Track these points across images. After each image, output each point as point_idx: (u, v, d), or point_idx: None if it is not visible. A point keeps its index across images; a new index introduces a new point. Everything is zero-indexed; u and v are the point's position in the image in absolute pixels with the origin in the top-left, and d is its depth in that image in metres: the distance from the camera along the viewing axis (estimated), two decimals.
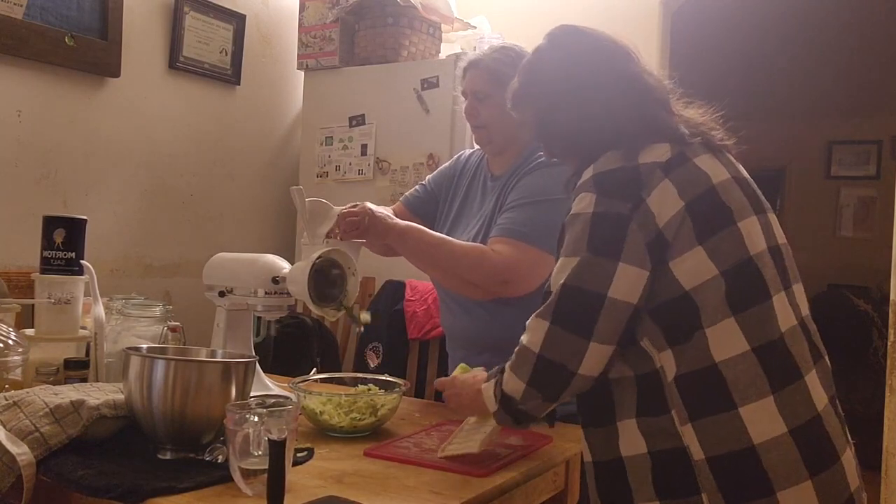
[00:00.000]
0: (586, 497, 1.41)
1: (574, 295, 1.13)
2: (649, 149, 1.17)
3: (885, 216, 2.82)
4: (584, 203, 1.16)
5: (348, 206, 1.69)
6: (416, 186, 2.06)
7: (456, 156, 2.05)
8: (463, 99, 1.87)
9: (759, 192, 1.23)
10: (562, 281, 1.15)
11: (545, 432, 1.48)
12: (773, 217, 1.22)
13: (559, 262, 1.18)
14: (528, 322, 1.19)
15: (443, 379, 1.44)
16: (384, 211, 1.78)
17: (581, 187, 1.18)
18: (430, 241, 1.72)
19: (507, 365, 1.21)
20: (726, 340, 1.09)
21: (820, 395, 1.12)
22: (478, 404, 1.28)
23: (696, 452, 1.09)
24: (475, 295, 1.74)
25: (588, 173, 1.18)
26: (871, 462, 1.71)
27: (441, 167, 2.05)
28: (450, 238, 1.75)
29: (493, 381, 1.25)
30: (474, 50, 3.03)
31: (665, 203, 1.12)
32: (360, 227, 1.65)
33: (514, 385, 1.19)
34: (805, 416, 1.09)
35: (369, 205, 1.70)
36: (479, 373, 1.38)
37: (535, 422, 1.26)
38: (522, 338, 1.19)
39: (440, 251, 1.71)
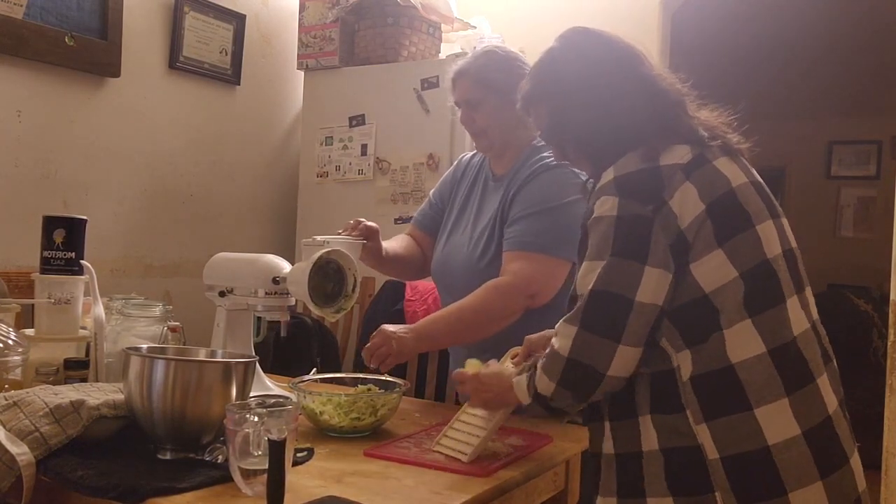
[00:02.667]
0: (587, 496, 1.41)
1: (602, 299, 1.14)
2: (670, 150, 1.17)
3: (885, 216, 2.82)
4: (606, 206, 1.16)
5: (372, 340, 1.67)
6: (423, 205, 2.07)
7: (456, 161, 2.07)
8: (457, 108, 1.87)
9: (772, 197, 1.23)
10: (590, 286, 1.15)
11: (546, 432, 1.48)
12: (785, 222, 1.23)
13: (584, 265, 1.18)
14: (557, 326, 1.20)
15: (462, 372, 1.40)
16: (391, 244, 1.76)
17: (602, 190, 1.18)
18: (448, 320, 1.70)
19: (539, 364, 1.21)
20: (743, 342, 1.10)
21: (831, 398, 1.13)
22: (507, 398, 1.28)
23: (711, 451, 1.10)
24: (512, 321, 1.69)
25: (609, 175, 1.18)
26: (870, 462, 1.71)
27: (443, 177, 2.06)
28: (459, 304, 1.71)
29: (525, 376, 1.25)
30: (474, 49, 3.03)
31: (686, 205, 1.13)
32: (391, 353, 1.64)
33: (546, 385, 1.19)
34: (817, 418, 1.10)
35: (387, 327, 1.67)
36: (494, 364, 1.40)
37: (570, 415, 1.27)
38: (553, 341, 1.19)
39: (460, 319, 1.69)
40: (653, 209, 1.12)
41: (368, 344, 1.67)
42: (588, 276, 1.16)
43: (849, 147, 5.73)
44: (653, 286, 1.12)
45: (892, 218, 2.31)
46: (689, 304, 1.12)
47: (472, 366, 1.44)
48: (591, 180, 1.26)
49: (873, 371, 4.17)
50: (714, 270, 1.12)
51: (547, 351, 1.21)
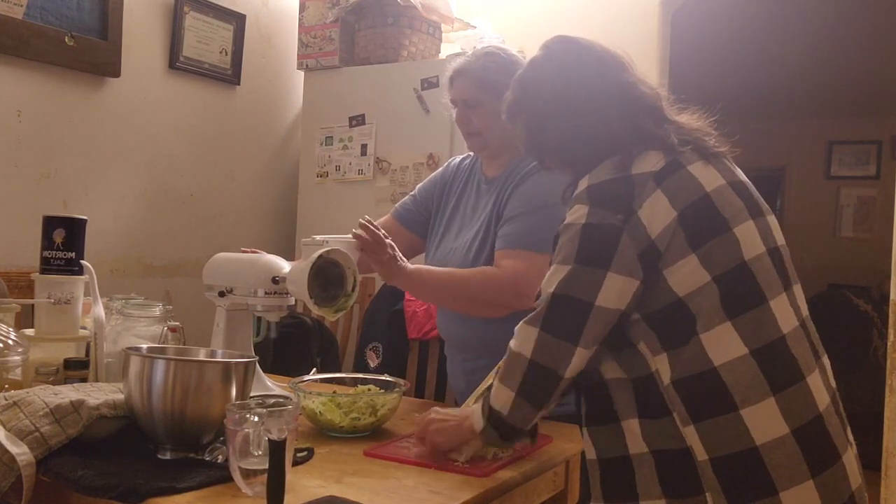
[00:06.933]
0: (586, 497, 1.41)
1: (563, 303, 1.16)
2: (643, 158, 1.18)
3: (885, 216, 2.82)
4: (577, 214, 1.18)
5: (383, 233, 1.67)
6: (406, 198, 2.03)
7: (445, 163, 2.03)
8: (452, 105, 1.84)
9: (757, 195, 1.23)
10: (552, 290, 1.17)
11: (545, 432, 1.48)
12: (772, 219, 1.23)
13: (551, 268, 1.20)
14: (516, 328, 1.21)
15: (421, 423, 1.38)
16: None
17: (576, 198, 1.20)
18: (437, 276, 1.71)
19: (496, 378, 1.23)
20: (724, 345, 1.10)
21: (822, 396, 1.13)
22: (464, 426, 1.27)
23: (700, 453, 1.10)
24: (494, 314, 1.70)
25: (584, 184, 1.20)
26: (870, 462, 1.71)
27: (430, 176, 2.03)
28: (453, 269, 1.73)
29: (481, 401, 1.26)
30: (474, 48, 3.03)
31: (656, 214, 1.13)
32: (381, 257, 1.65)
33: (504, 396, 1.20)
34: (807, 416, 1.10)
35: (396, 252, 1.68)
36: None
37: (521, 437, 1.27)
38: (511, 344, 1.20)
39: (448, 284, 1.70)
40: (622, 219, 1.14)
41: (375, 238, 1.64)
42: (552, 279, 1.18)
43: (849, 147, 5.74)
44: (615, 292, 1.13)
45: (892, 218, 2.31)
46: (665, 309, 1.13)
47: None
48: (570, 187, 1.26)
49: (873, 371, 4.18)
50: (687, 276, 1.12)
51: (505, 357, 1.21)
